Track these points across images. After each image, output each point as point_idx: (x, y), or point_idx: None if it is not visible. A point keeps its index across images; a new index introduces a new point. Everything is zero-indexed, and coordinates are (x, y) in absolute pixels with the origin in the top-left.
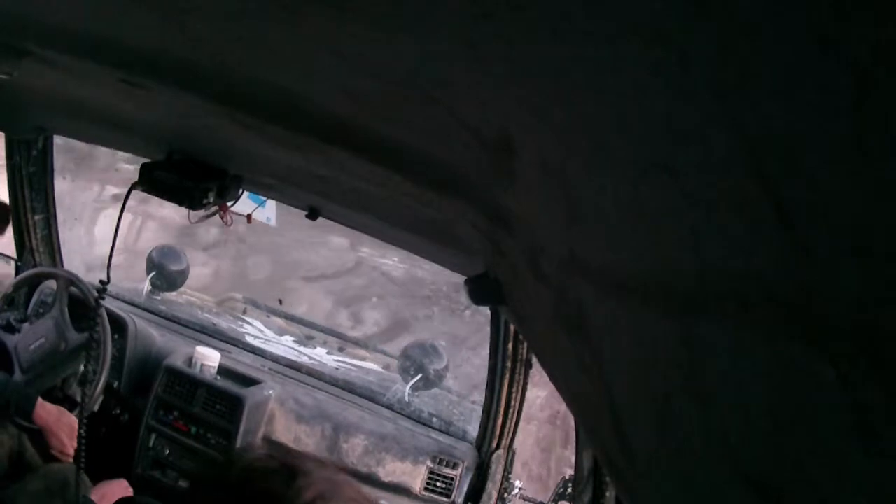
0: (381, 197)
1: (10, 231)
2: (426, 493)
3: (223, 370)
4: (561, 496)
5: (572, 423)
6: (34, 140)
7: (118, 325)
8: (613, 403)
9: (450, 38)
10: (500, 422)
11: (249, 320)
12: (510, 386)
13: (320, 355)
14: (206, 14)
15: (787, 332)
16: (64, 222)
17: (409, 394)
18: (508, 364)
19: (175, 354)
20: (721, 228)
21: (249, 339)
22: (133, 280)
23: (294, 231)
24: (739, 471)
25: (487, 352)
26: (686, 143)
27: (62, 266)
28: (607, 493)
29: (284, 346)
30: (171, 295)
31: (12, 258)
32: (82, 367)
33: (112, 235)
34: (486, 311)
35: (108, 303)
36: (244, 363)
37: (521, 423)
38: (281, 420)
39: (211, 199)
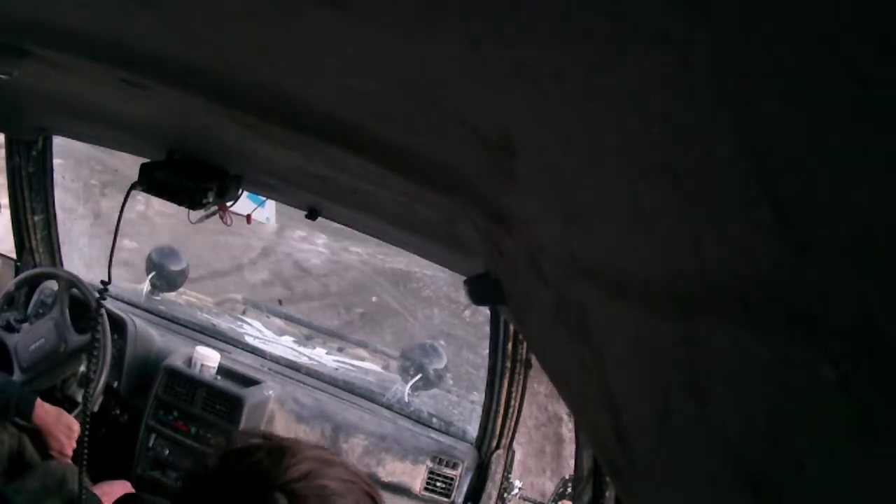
0: (381, 197)
1: (9, 231)
2: (426, 493)
3: (223, 370)
4: (561, 496)
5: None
6: (34, 140)
7: (118, 325)
8: (613, 403)
9: (450, 38)
10: (499, 422)
11: (249, 320)
12: (510, 386)
13: (320, 355)
14: (206, 14)
15: (787, 332)
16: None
17: (408, 394)
18: (508, 364)
19: (175, 355)
20: (721, 228)
21: (249, 340)
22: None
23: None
24: (739, 471)
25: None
26: (686, 143)
27: (62, 266)
28: (607, 493)
29: (284, 346)
30: (171, 295)
31: (12, 258)
32: (82, 368)
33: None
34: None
35: (107, 303)
36: (244, 363)
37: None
38: (281, 420)
39: (210, 199)
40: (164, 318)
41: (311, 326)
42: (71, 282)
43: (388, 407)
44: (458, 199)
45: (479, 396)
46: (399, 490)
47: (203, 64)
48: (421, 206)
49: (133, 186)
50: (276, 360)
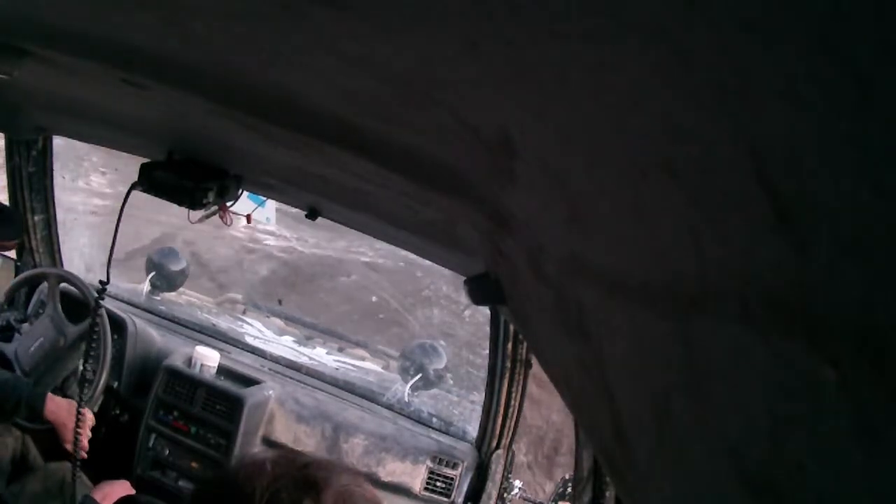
0: (382, 197)
1: None
2: (426, 493)
3: (223, 370)
4: (561, 496)
5: None
6: (34, 140)
7: (118, 325)
8: (613, 403)
9: (450, 38)
10: (499, 422)
11: (249, 320)
12: (510, 386)
13: (320, 355)
14: (206, 14)
15: (787, 332)
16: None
17: (408, 394)
18: (508, 364)
19: (175, 355)
20: (721, 228)
21: (249, 340)
22: None
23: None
24: (739, 471)
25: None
26: (686, 143)
27: (62, 266)
28: (607, 493)
29: (284, 346)
30: (171, 295)
31: (12, 258)
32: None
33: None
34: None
35: (107, 303)
36: (244, 363)
37: None
38: (281, 420)
39: (211, 199)
40: (164, 318)
41: (312, 326)
42: (60, 277)
43: (389, 407)
44: (458, 200)
45: (479, 396)
46: (399, 490)
47: (203, 64)
48: (421, 206)
49: (133, 186)
50: (277, 360)
